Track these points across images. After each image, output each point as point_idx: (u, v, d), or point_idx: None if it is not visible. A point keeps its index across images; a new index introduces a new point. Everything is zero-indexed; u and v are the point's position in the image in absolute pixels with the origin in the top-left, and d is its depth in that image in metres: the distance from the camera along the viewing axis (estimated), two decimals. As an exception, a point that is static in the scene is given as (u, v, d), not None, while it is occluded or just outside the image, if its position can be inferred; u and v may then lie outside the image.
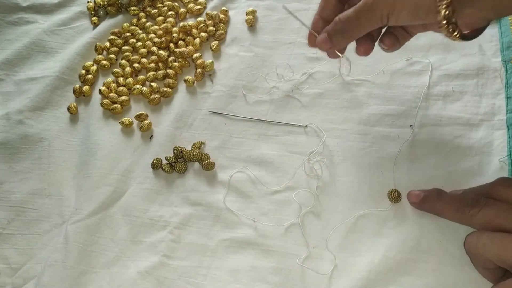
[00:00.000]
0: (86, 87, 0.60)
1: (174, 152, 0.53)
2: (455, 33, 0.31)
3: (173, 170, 0.52)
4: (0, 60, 0.63)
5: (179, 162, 0.52)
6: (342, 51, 0.43)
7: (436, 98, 0.52)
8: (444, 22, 0.31)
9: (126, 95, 0.59)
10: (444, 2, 0.30)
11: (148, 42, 0.62)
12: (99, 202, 0.51)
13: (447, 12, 0.30)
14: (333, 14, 0.39)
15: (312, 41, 0.42)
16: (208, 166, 0.51)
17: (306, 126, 0.51)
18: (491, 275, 0.36)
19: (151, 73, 0.60)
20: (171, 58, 0.60)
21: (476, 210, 0.36)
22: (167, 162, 0.52)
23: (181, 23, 0.63)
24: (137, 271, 0.47)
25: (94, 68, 0.62)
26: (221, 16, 0.63)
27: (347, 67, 0.54)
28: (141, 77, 0.60)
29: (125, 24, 0.65)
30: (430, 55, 0.55)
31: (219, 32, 0.62)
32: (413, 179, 0.47)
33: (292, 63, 0.57)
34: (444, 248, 0.42)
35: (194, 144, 0.53)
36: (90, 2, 0.68)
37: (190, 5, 0.65)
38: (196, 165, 0.52)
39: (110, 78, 0.61)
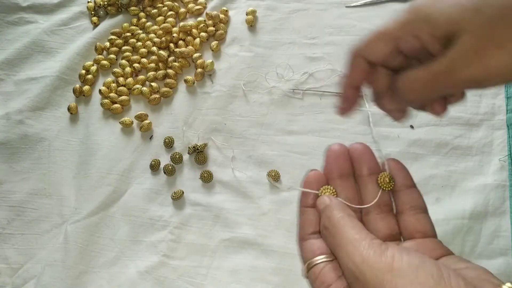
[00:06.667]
0: (86, 87, 0.60)
1: (176, 156, 0.53)
2: None
3: (174, 172, 0.52)
4: (0, 60, 0.63)
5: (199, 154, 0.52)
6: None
7: (436, 98, 0.52)
8: None
9: (126, 95, 0.59)
10: None
11: (148, 42, 0.62)
12: (99, 202, 0.51)
13: None
14: (363, 80, 0.32)
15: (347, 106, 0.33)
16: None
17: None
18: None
19: (151, 73, 0.60)
20: (171, 58, 0.60)
21: None
22: (193, 149, 0.52)
23: (181, 23, 0.63)
24: (137, 270, 0.47)
25: (94, 68, 0.61)
26: (221, 16, 0.63)
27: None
28: (141, 77, 0.60)
29: (125, 24, 0.65)
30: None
31: (219, 32, 0.62)
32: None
33: (292, 63, 0.57)
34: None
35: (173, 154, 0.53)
36: (90, 2, 0.68)
37: (190, 5, 0.65)
38: (196, 165, 0.52)
39: (110, 78, 0.61)
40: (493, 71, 0.25)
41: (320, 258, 0.27)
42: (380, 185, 0.31)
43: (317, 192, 0.31)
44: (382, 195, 0.30)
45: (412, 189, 0.30)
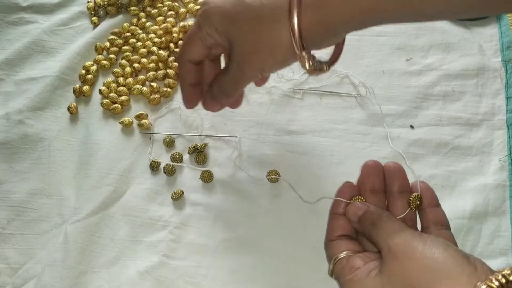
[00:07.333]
0: (86, 87, 0.60)
1: (175, 156, 0.53)
2: (311, 64, 0.34)
3: (174, 172, 0.52)
4: (0, 60, 0.63)
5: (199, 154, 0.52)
6: None
7: (436, 98, 0.52)
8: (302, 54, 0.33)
9: (126, 95, 0.59)
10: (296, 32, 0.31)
11: (148, 42, 0.62)
12: (99, 202, 0.51)
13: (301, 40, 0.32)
14: (195, 77, 0.40)
15: (191, 102, 0.43)
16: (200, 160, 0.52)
17: (239, 136, 0.52)
18: None
19: (151, 73, 0.60)
20: (171, 58, 0.60)
21: None
22: (193, 149, 0.52)
23: (181, 23, 0.63)
24: (137, 271, 0.47)
25: (94, 68, 0.61)
26: (221, 16, 0.63)
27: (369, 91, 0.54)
28: (141, 77, 0.60)
29: (125, 24, 0.65)
30: (430, 55, 0.55)
31: (219, 32, 0.62)
32: (413, 179, 0.47)
33: (292, 63, 0.57)
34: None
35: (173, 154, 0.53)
36: (90, 2, 0.68)
37: (190, 5, 0.65)
38: (196, 165, 0.52)
39: (110, 78, 0.61)
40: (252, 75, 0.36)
41: (345, 253, 0.30)
42: (411, 206, 0.33)
43: (349, 201, 0.33)
44: (409, 212, 0.34)
45: (437, 208, 0.33)
